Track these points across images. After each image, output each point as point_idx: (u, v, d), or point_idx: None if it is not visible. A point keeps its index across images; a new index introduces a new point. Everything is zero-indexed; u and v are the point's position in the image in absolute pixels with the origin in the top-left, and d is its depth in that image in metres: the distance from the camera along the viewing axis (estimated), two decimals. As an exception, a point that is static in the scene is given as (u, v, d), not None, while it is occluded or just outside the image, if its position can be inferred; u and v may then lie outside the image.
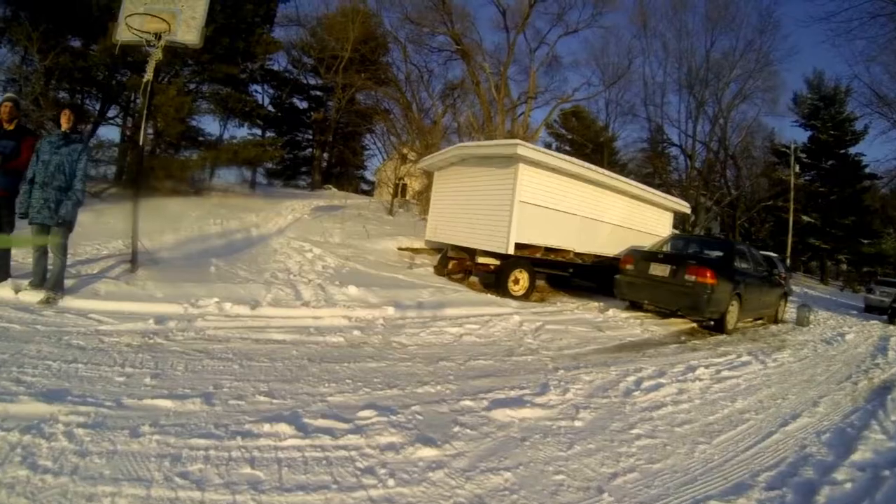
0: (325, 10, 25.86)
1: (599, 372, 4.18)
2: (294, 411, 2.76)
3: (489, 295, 7.94)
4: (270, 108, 21.05)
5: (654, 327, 7.13)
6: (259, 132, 16.77)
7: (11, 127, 4.57)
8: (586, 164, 9.27)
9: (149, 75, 5.38)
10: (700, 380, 4.32)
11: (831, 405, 4.08)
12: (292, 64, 24.51)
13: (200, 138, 12.34)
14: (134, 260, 5.53)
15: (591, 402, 3.40)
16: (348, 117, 25.15)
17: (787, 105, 31.91)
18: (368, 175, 33.11)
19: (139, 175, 6.28)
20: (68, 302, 4.31)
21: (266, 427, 2.49)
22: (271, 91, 22.58)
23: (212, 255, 7.37)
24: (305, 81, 25.48)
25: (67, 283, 4.63)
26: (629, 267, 8.10)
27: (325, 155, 27.46)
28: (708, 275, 6.91)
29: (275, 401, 2.87)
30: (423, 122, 23.20)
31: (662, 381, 4.05)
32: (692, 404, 3.62)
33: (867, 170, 28.84)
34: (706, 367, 4.76)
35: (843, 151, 29.70)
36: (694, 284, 6.93)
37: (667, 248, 9.01)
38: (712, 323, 7.43)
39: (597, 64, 34.38)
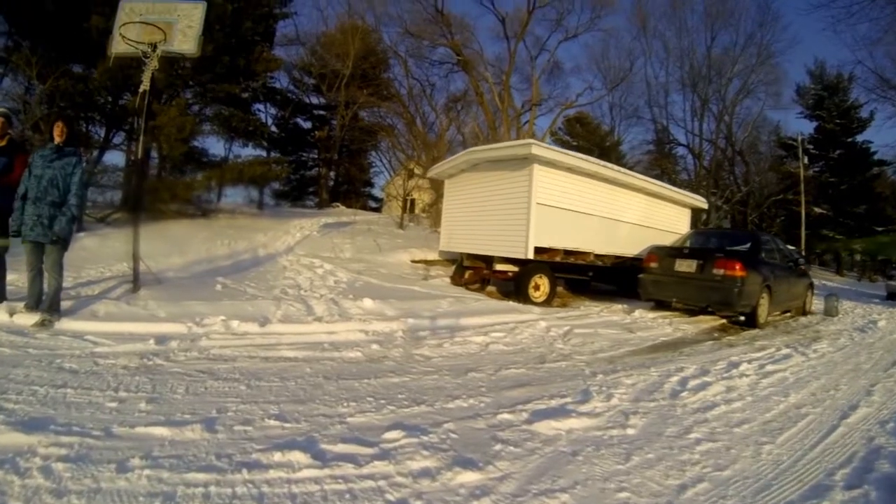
0: (324, 27, 26.08)
1: (640, 374, 3.89)
2: (309, 436, 2.38)
3: (511, 302, 7.53)
4: (274, 128, 21.03)
5: (685, 326, 6.77)
6: (264, 153, 16.65)
7: (3, 143, 4.34)
8: (602, 162, 8.94)
9: (145, 84, 5.17)
10: (745, 376, 4.09)
11: (885, 393, 3.89)
12: (294, 84, 24.61)
13: (205, 159, 12.20)
14: (136, 279, 5.23)
15: (638, 407, 3.10)
16: (352, 134, 25.14)
17: (791, 97, 31.53)
18: (376, 192, 33.05)
19: (140, 190, 6.00)
20: (65, 324, 4.00)
21: (277, 456, 2.12)
22: (274, 111, 22.60)
23: (219, 274, 7.08)
24: (308, 101, 25.57)
25: (65, 304, 4.33)
26: (654, 265, 7.76)
27: (332, 174, 27.42)
28: (737, 267, 6.62)
29: (287, 425, 2.51)
30: (428, 136, 23.13)
31: (707, 379, 3.80)
32: (744, 402, 3.39)
33: (876, 156, 28.25)
34: (748, 362, 4.56)
35: (850, 140, 29.15)
36: (723, 278, 6.64)
37: (690, 244, 8.60)
38: (743, 318, 7.12)
39: (598, 68, 34.19)
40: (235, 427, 2.40)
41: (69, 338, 3.73)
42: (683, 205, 11.31)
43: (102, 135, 11.63)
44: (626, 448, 2.46)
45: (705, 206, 12.70)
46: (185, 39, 5.60)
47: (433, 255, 10.98)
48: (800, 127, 39.29)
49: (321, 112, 25.82)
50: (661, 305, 8.07)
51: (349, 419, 2.63)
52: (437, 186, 21.04)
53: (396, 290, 7.17)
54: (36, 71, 8.03)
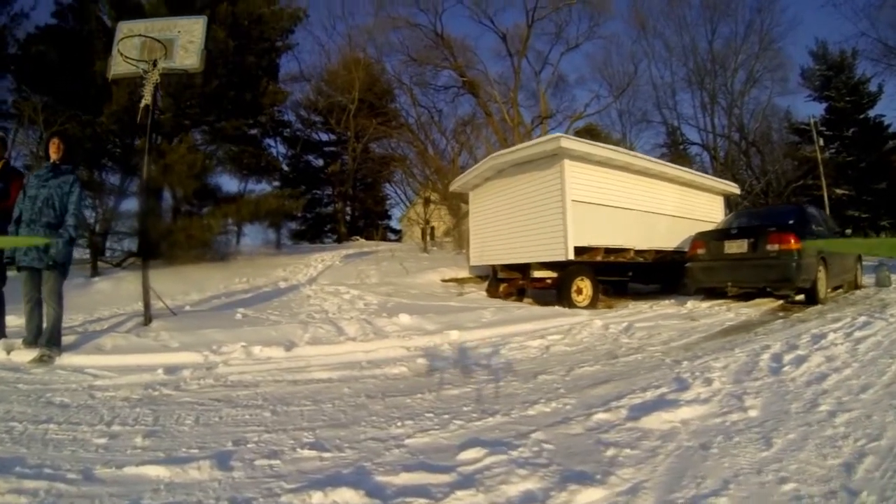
0: (326, 61, 26.40)
1: (727, 357, 3.40)
2: (358, 466, 1.76)
3: (556, 307, 6.84)
4: (286, 167, 21.05)
5: (745, 310, 6.19)
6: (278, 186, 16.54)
7: None
8: (634, 153, 8.38)
9: (147, 99, 4.81)
10: (837, 345, 3.67)
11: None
12: (301, 122, 24.85)
13: (219, 195, 11.96)
14: (147, 309, 4.73)
15: (745, 388, 2.60)
16: (365, 167, 25.09)
17: (797, 82, 30.64)
18: (394, 224, 32.82)
19: (148, 212, 5.59)
20: (66, 359, 3.48)
21: (317, 497, 1.49)
22: (284, 150, 22.71)
23: (238, 306, 6.56)
24: (317, 138, 25.77)
25: (69, 339, 3.83)
26: (701, 251, 7.19)
27: (348, 208, 27.32)
28: (792, 240, 6.16)
29: (326, 454, 1.88)
30: (441, 162, 22.86)
31: (801, 353, 3.39)
32: (853, 369, 2.99)
33: (891, 129, 27.09)
34: (833, 332, 4.14)
35: (862, 116, 28.05)
36: (779, 253, 6.18)
37: (737, 224, 7.90)
38: (801, 297, 6.63)
39: (602, 76, 33.82)
40: (257, 462, 1.79)
41: (67, 372, 3.19)
42: (716, 192, 10.63)
43: (118, 184, 11.54)
44: (759, 432, 1.99)
45: (738, 191, 12.08)
46: (188, 55, 5.27)
47: (464, 273, 10.36)
48: (810, 110, 38.20)
49: (331, 148, 25.97)
50: (711, 295, 7.47)
51: (408, 441, 1.99)
52: (455, 211, 20.72)
53: (432, 307, 6.53)
54: (43, 118, 7.93)
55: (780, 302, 6.81)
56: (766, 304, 6.68)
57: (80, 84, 9.04)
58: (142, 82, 5.09)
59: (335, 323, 5.23)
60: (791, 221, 6.88)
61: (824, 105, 29.65)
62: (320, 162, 26.42)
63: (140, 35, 4.97)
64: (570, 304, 7.18)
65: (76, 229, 3.73)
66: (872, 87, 27.44)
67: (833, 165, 27.33)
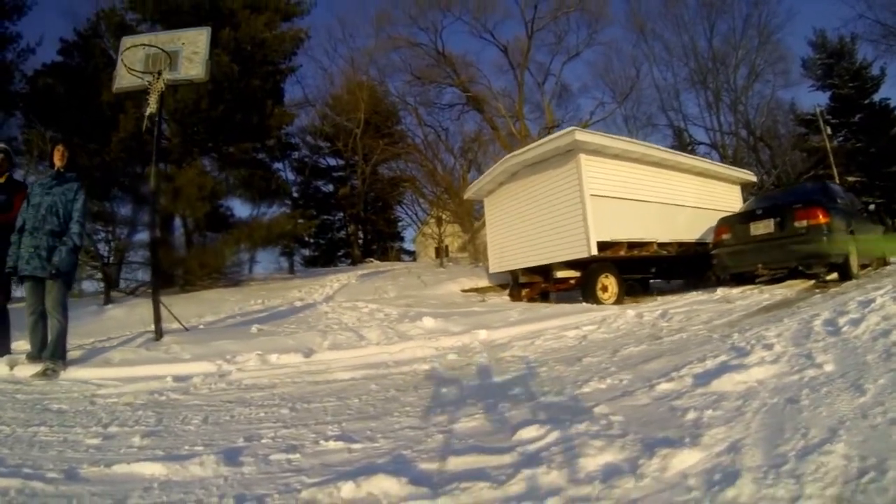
0: (330, 85, 26.63)
1: (777, 327, 3.02)
2: (396, 455, 1.45)
3: (584, 304, 6.49)
4: (296, 193, 21.08)
5: (778, 291, 5.82)
6: (289, 210, 16.56)
7: (2, 180, 3.85)
8: (650, 144, 8.13)
9: (152, 107, 4.68)
10: (889, 306, 3.21)
11: None
12: (309, 149, 25.04)
13: (231, 220, 11.90)
14: (157, 322, 4.49)
15: (809, 349, 2.27)
16: (376, 188, 25.11)
17: (799, 73, 30.32)
18: (407, 245, 32.66)
19: (155, 213, 5.40)
20: (71, 373, 3.23)
21: (347, 489, 1.19)
22: (293, 177, 22.79)
23: (254, 322, 6.33)
24: (326, 164, 25.92)
25: (75, 354, 3.60)
26: (727, 236, 6.91)
27: (361, 232, 27.27)
28: (820, 214, 5.95)
29: (356, 446, 1.58)
30: (451, 180, 22.73)
31: (853, 316, 2.99)
32: None
33: None
34: (880, 297, 3.61)
35: (868, 101, 27.53)
36: (808, 228, 5.95)
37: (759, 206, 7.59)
38: (835, 275, 6.30)
39: (605, 83, 33.84)
40: (273, 457, 1.49)
41: (70, 382, 2.95)
42: (733, 181, 10.31)
43: (129, 216, 11.55)
44: (845, 382, 1.70)
45: (754, 178, 11.78)
46: (192, 65, 5.17)
47: (484, 283, 10.06)
48: (815, 100, 37.72)
49: (340, 173, 26.09)
50: (740, 281, 7.12)
51: (452, 426, 1.69)
52: (468, 227, 20.50)
53: (455, 312, 6.22)
54: (51, 147, 7.95)
55: (813, 282, 6.45)
56: (799, 285, 6.32)
57: (88, 116, 9.11)
58: (146, 97, 5.00)
59: (356, 331, 4.95)
60: (816, 197, 6.62)
61: (828, 94, 29.26)
62: (330, 187, 26.52)
63: (145, 45, 4.89)
64: (596, 301, 6.83)
65: (80, 237, 3.54)
66: (875, 71, 27.13)
67: (843, 153, 26.80)
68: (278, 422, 1.92)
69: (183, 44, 5.28)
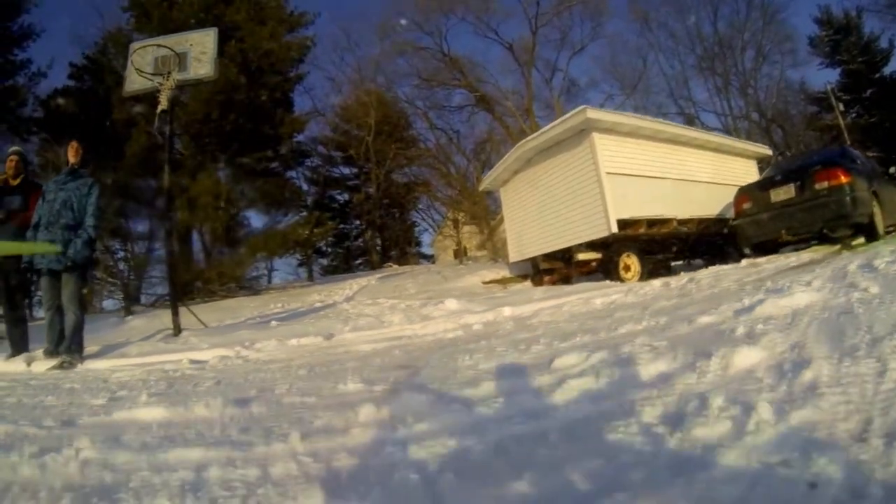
0: (339, 94, 26.68)
1: (810, 273, 2.78)
2: (423, 384, 1.32)
3: (607, 280, 6.32)
4: (311, 203, 21.19)
5: (805, 255, 5.57)
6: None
7: (17, 182, 3.86)
8: (662, 121, 7.95)
9: (164, 104, 4.70)
10: None
11: None
12: (322, 160, 25.19)
13: (247, 229, 11.99)
14: (175, 314, 4.45)
15: (848, 281, 2.10)
16: (392, 192, 25.14)
17: (806, 51, 29.57)
18: (425, 250, 32.60)
19: (171, 200, 5.37)
20: (88, 365, 3.16)
21: (367, 412, 1.04)
22: (307, 188, 22.90)
23: (274, 321, 6.29)
24: (339, 173, 26.05)
25: (92, 349, 3.54)
26: (747, 205, 6.67)
27: (378, 239, 27.30)
28: (841, 175, 5.75)
29: (377, 387, 1.45)
30: (465, 182, 22.60)
31: (888, 259, 2.70)
32: None
33: None
34: None
35: (878, 76, 26.64)
36: (830, 190, 5.76)
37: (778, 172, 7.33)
38: (861, 239, 6.02)
39: (612, 75, 33.36)
40: (286, 400, 1.37)
41: (85, 369, 2.88)
42: (748, 155, 10.09)
43: (147, 231, 11.70)
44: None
45: (770, 152, 11.46)
46: (201, 65, 5.20)
47: (505, 274, 9.90)
48: (824, 77, 36.66)
49: (354, 182, 26.20)
50: (763, 252, 6.78)
51: (483, 366, 1.53)
52: (484, 225, 20.37)
53: (478, 298, 6.08)
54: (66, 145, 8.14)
55: (839, 246, 6.14)
56: (825, 249, 6.06)
57: (101, 135, 9.30)
58: (157, 98, 5.03)
59: (377, 317, 4.86)
60: (835, 158, 6.43)
61: (838, 70, 28.46)
62: (345, 196, 26.65)
63: (155, 46, 4.93)
64: (620, 280, 6.63)
65: (95, 229, 3.52)
66: (883, 44, 26.41)
67: (857, 129, 26.02)
68: (296, 379, 1.79)
69: (191, 45, 5.31)
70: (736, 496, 0.55)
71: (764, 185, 6.59)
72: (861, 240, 5.96)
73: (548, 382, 1.12)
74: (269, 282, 16.26)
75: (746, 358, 1.03)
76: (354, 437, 0.89)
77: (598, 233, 6.85)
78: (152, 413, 1.24)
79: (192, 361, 2.81)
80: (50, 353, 3.29)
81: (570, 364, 1.29)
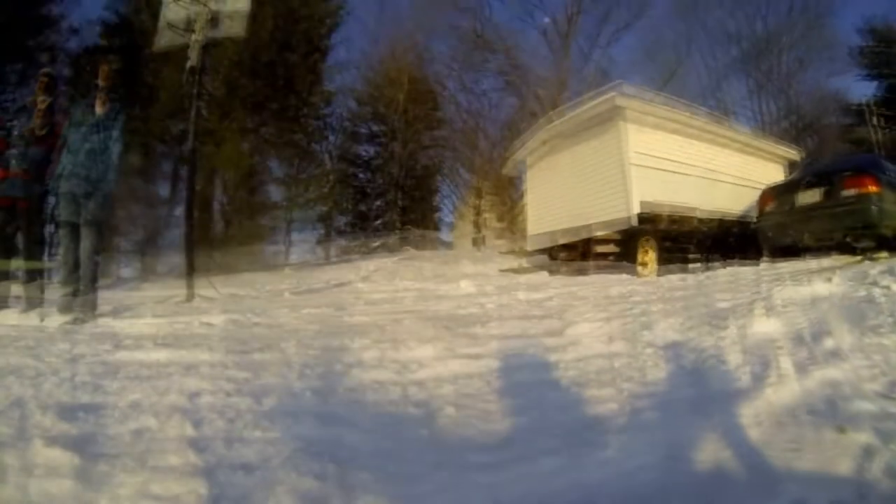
0: (374, 46, 26.44)
1: (829, 275, 2.54)
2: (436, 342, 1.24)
3: (624, 274, 6.27)
4: (335, 157, 21.19)
5: (825, 261, 5.33)
6: (326, 189, 16.87)
7: (43, 132, 3.83)
8: (692, 114, 7.73)
9: (193, 60, 4.73)
10: None
11: None
12: (350, 117, 25.16)
13: (269, 201, 12.10)
14: (189, 276, 4.50)
15: (870, 279, 2.00)
16: (414, 175, 25.03)
17: (846, 61, 28.47)
18: (444, 236, 32.43)
19: (193, 165, 5.37)
20: (100, 322, 3.20)
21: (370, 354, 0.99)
22: (332, 138, 22.92)
23: (287, 293, 6.37)
24: (367, 130, 26.01)
25: (105, 308, 3.58)
26: (771, 206, 6.53)
27: (398, 222, 27.07)
28: (870, 183, 5.62)
29: (384, 345, 1.37)
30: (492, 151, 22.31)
31: None
32: None
33: None
34: None
35: None
36: (857, 198, 5.62)
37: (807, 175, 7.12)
38: (885, 252, 5.70)
39: (645, 68, 32.64)
40: (290, 350, 1.32)
41: (95, 325, 2.91)
42: (777, 157, 9.84)
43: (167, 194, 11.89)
44: None
45: (798, 156, 11.09)
46: (233, 23, 5.21)
47: (522, 263, 9.95)
48: (862, 90, 35.29)
49: (381, 139, 26.12)
50: (785, 255, 6.67)
51: (495, 332, 1.46)
52: (504, 196, 20.19)
53: (493, 282, 6.05)
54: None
55: (860, 257, 6.02)
56: (846, 259, 5.88)
57: (131, 91, 9.45)
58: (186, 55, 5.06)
59: (393, 293, 4.87)
60: (867, 166, 6.21)
61: (880, 84, 27.26)
62: (370, 151, 26.52)
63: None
64: (636, 274, 6.56)
65: (113, 183, 3.52)
66: None
67: (892, 145, 25.01)
68: (304, 337, 1.76)
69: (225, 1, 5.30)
70: (758, 438, 0.55)
71: (790, 187, 6.45)
72: (884, 253, 5.80)
73: (559, 344, 1.06)
74: (287, 259, 16.48)
75: (765, 326, 1.02)
76: (353, 377, 0.85)
77: (618, 213, 6.81)
78: (155, 355, 1.23)
79: (203, 323, 2.82)
80: (64, 309, 3.33)
81: (583, 332, 1.22)
